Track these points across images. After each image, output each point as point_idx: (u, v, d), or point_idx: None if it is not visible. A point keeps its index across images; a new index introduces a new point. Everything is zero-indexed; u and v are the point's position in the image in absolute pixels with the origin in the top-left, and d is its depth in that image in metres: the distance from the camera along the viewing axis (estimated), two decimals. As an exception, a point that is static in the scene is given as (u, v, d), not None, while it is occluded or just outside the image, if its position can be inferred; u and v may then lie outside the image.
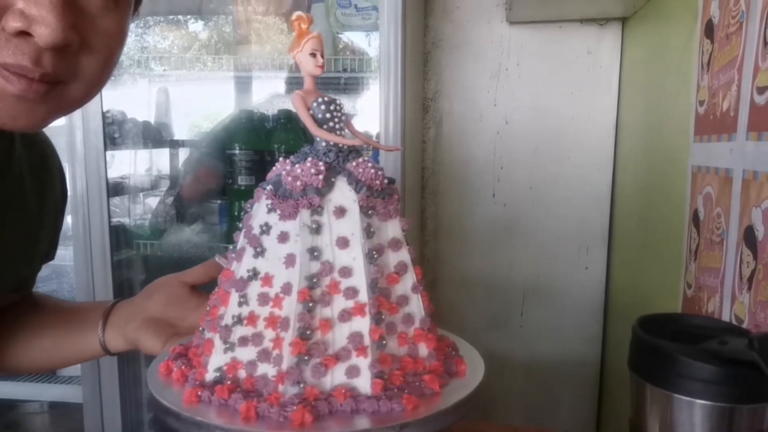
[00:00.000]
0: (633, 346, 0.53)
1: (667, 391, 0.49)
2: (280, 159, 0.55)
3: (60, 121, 1.44)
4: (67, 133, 1.43)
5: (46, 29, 0.43)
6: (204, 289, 0.71)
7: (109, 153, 1.47)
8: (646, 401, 0.52)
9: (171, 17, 1.81)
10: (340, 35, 1.49)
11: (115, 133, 1.57)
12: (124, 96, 1.66)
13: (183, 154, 1.78)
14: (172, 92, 1.79)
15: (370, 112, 1.40)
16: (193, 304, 0.70)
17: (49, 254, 0.76)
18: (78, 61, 0.48)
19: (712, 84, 0.89)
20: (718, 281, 0.82)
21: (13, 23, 0.43)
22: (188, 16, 1.81)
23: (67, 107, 0.52)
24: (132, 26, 1.86)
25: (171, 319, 0.69)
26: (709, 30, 0.91)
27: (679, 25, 1.12)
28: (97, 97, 1.40)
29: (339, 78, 1.51)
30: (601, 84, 1.60)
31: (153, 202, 1.78)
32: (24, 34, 0.43)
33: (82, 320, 0.73)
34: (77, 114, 1.41)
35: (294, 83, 1.70)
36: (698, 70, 0.95)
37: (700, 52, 0.95)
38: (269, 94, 1.74)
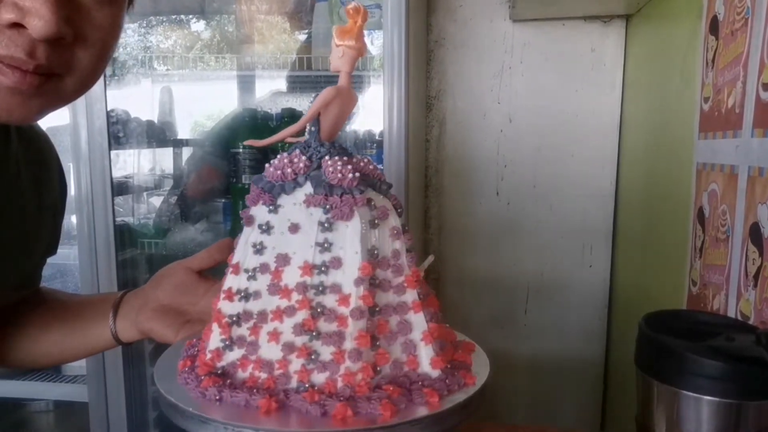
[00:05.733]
0: (639, 343, 0.53)
1: (674, 387, 0.49)
2: (285, 155, 0.52)
3: (64, 120, 1.45)
4: (72, 133, 1.43)
5: (39, 21, 0.43)
6: (211, 273, 0.72)
7: (113, 152, 1.47)
8: (652, 398, 0.52)
9: (174, 17, 1.82)
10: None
11: (119, 132, 1.57)
12: (128, 95, 1.66)
13: (186, 153, 1.78)
14: (176, 91, 1.79)
15: (372, 110, 1.40)
16: (202, 290, 0.70)
17: (51, 250, 0.76)
18: (72, 54, 0.48)
19: (716, 81, 0.89)
20: (724, 278, 0.82)
21: (7, 15, 0.42)
22: (190, 16, 1.82)
23: (61, 100, 0.51)
24: (134, 26, 1.84)
25: (181, 306, 0.69)
26: (714, 26, 0.91)
27: (683, 22, 1.11)
28: (101, 96, 1.41)
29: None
30: (605, 81, 1.60)
31: (156, 201, 1.79)
32: (18, 26, 0.43)
33: (92, 312, 0.73)
34: (81, 113, 1.42)
35: (297, 82, 1.70)
36: (703, 66, 0.95)
37: (705, 49, 0.94)
38: (272, 92, 1.74)
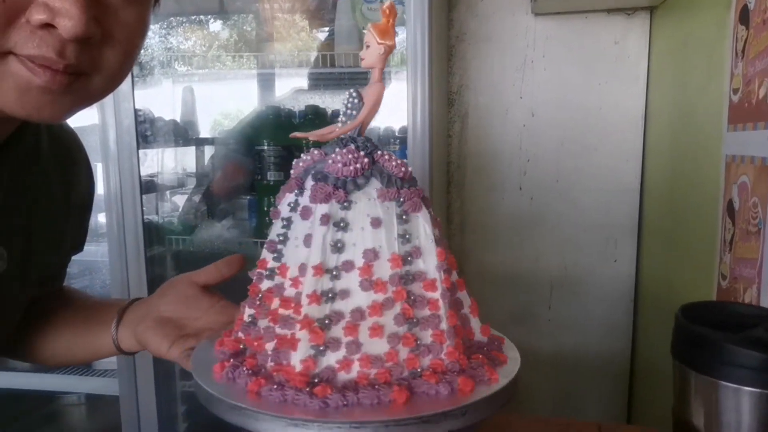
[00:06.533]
0: (676, 335, 0.53)
1: (712, 378, 0.49)
2: (342, 150, 0.51)
3: (93, 120, 1.47)
4: (100, 132, 1.46)
5: (69, 21, 0.44)
6: (217, 289, 0.69)
7: (140, 151, 1.49)
8: (690, 389, 0.52)
9: (194, 17, 1.84)
10: (365, 30, 1.49)
11: (146, 131, 1.60)
12: (151, 95, 1.68)
13: (209, 151, 1.81)
14: (197, 91, 1.81)
15: (393, 106, 1.40)
16: (205, 305, 0.67)
17: (77, 247, 0.76)
18: (100, 53, 0.49)
19: (747, 71, 0.88)
20: (755, 272, 0.81)
21: (38, 15, 0.43)
22: (209, 16, 1.83)
23: (89, 99, 0.52)
24: (156, 27, 1.86)
25: (181, 320, 0.67)
26: (744, 16, 0.90)
27: (710, 13, 1.10)
28: (129, 95, 1.44)
29: (366, 72, 1.52)
30: (629, 74, 1.58)
31: (180, 199, 1.81)
32: (48, 26, 0.44)
33: (100, 317, 0.72)
34: (110, 112, 1.44)
35: (319, 79, 1.71)
36: (732, 57, 0.94)
37: (734, 39, 0.93)
38: (294, 90, 1.76)
